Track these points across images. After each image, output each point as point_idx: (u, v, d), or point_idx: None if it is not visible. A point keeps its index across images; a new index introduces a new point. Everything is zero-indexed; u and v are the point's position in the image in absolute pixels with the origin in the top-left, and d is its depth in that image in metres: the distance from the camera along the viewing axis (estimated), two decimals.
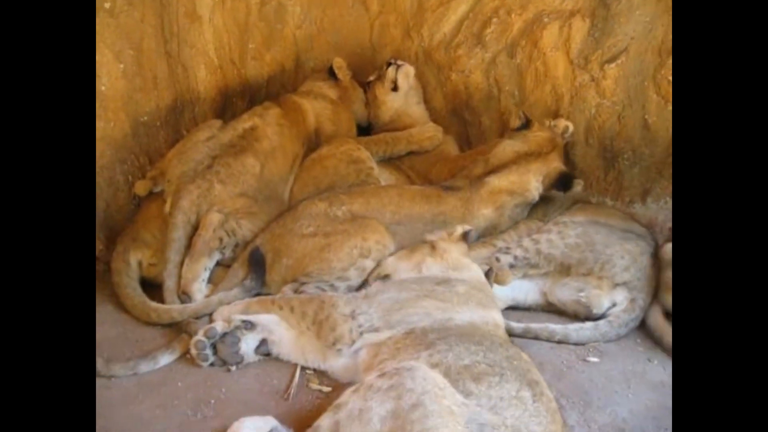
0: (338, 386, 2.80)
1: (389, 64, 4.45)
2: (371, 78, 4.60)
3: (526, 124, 3.92)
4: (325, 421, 2.19)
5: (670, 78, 3.69)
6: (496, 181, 3.76)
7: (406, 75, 4.43)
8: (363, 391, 2.20)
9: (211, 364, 2.94)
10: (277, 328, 2.99)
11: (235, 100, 4.51)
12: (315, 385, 2.83)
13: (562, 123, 3.90)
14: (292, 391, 2.79)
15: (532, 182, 3.78)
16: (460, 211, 3.66)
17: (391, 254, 3.40)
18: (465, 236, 3.30)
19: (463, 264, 3.18)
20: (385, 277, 3.30)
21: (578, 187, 3.80)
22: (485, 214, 3.69)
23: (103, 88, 3.58)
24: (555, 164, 3.84)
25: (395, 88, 4.45)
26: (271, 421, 2.46)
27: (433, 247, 3.25)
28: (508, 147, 3.89)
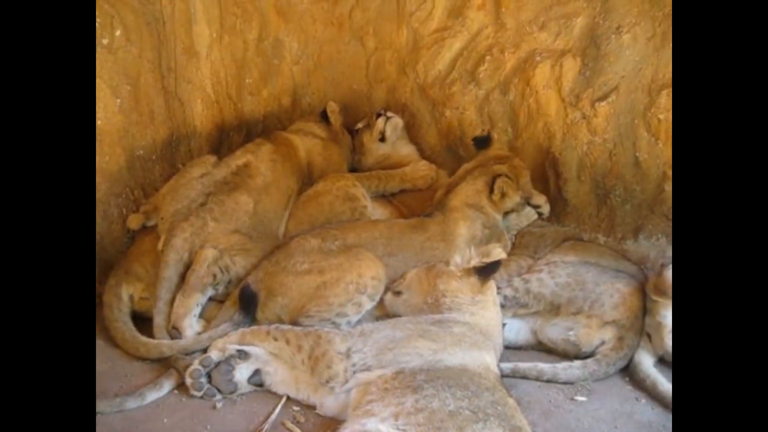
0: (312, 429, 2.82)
1: (379, 115, 4.56)
2: (360, 125, 4.70)
3: (487, 140, 4.10)
4: None
5: (660, 116, 3.74)
6: (454, 198, 3.87)
7: (394, 127, 4.56)
8: None
9: (204, 394, 2.95)
10: (271, 359, 3.01)
11: (231, 135, 4.55)
12: (289, 425, 2.82)
13: None
14: (266, 427, 2.79)
15: (482, 195, 3.89)
16: (441, 235, 3.71)
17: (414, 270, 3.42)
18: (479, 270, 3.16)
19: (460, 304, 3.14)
20: (397, 294, 3.35)
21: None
22: (462, 233, 3.72)
23: (99, 122, 3.62)
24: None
25: (382, 139, 4.57)
26: None
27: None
28: (461, 169, 4.07)
